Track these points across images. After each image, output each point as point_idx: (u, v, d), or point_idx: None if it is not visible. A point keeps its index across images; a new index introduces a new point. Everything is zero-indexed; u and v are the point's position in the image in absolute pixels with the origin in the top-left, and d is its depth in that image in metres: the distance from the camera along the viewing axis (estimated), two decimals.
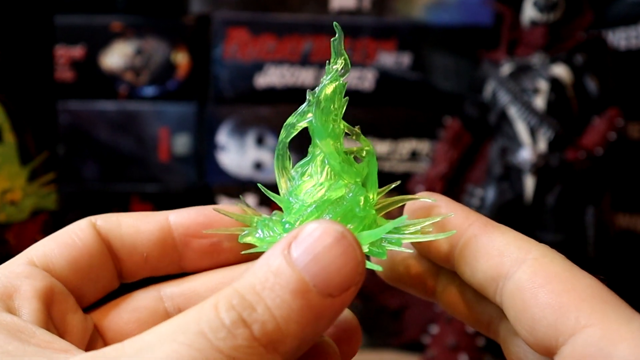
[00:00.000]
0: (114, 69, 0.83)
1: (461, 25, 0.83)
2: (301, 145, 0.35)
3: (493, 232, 0.30)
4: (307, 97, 0.33)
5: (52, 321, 0.28)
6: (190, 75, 0.84)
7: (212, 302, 0.24)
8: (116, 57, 0.83)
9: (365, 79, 0.83)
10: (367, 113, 0.82)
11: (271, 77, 0.83)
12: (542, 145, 0.71)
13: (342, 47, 0.33)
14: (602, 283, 0.28)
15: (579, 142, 0.71)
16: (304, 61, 0.82)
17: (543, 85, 0.71)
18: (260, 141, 0.83)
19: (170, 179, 0.84)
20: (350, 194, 0.32)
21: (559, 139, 0.70)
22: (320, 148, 0.32)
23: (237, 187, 0.82)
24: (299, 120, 0.33)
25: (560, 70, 0.72)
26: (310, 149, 0.33)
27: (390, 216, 0.34)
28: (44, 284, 0.29)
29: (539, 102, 0.71)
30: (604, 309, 0.26)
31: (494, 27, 0.81)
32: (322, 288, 0.25)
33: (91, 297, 0.32)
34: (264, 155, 0.83)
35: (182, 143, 0.84)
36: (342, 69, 0.32)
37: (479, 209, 0.73)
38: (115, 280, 0.33)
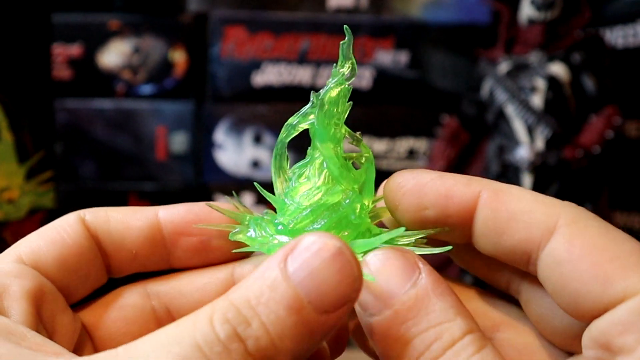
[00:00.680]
0: (111, 67, 0.83)
1: (459, 24, 0.83)
2: (300, 145, 0.34)
3: (509, 200, 0.29)
4: (311, 99, 0.32)
5: (41, 322, 0.28)
6: (188, 73, 0.84)
7: (208, 313, 0.24)
8: (114, 55, 0.83)
9: (363, 78, 0.83)
10: (364, 111, 0.82)
11: (268, 75, 0.83)
12: (540, 144, 0.71)
13: (351, 51, 0.32)
14: None
15: (577, 141, 0.71)
16: (302, 59, 0.82)
17: (540, 83, 0.71)
18: (257, 139, 0.83)
19: (167, 178, 0.84)
20: (347, 201, 0.31)
21: (556, 137, 0.70)
22: (320, 151, 0.32)
23: (234, 186, 0.81)
24: (300, 122, 0.32)
25: (558, 69, 0.72)
26: (309, 151, 0.33)
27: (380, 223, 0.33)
28: (33, 283, 0.28)
29: (537, 100, 0.71)
30: None
31: (492, 25, 0.81)
32: (318, 305, 0.24)
33: (79, 294, 0.31)
34: (262, 154, 0.83)
35: (179, 141, 0.84)
36: (348, 72, 0.32)
37: None
38: (104, 275, 0.32)
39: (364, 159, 0.33)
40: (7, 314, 0.27)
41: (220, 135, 0.83)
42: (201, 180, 0.83)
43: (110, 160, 0.84)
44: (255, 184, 0.34)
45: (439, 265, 0.54)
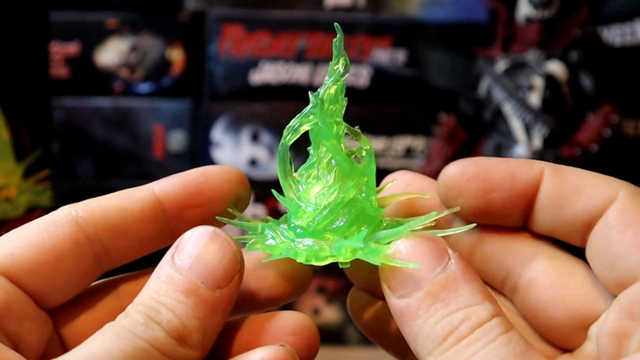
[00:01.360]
0: (109, 65, 0.83)
1: (456, 22, 0.83)
2: (296, 144, 0.34)
3: (571, 175, 0.30)
4: (311, 99, 0.32)
5: (4, 333, 0.27)
6: (185, 72, 0.84)
7: (123, 313, 0.27)
8: (111, 53, 0.83)
9: (360, 76, 0.83)
10: (362, 110, 0.82)
11: (266, 73, 0.83)
12: (537, 142, 0.71)
13: (343, 48, 0.32)
14: None
15: (574, 139, 0.71)
16: (299, 58, 0.82)
17: (538, 82, 0.71)
18: (255, 138, 0.83)
19: (165, 176, 0.84)
20: (363, 195, 0.32)
21: (553, 136, 0.71)
22: (329, 150, 0.32)
23: None
24: (302, 123, 0.32)
25: (555, 67, 0.72)
26: (311, 152, 0.33)
27: None
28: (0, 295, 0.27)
29: (534, 98, 0.71)
30: None
31: (489, 23, 0.81)
32: (210, 282, 0.28)
33: (57, 299, 0.30)
34: (259, 152, 0.83)
35: (177, 140, 0.84)
36: (343, 69, 0.32)
37: None
38: (93, 273, 0.31)
39: (364, 152, 0.33)
40: None
41: (218, 133, 0.83)
42: None
43: (108, 158, 0.84)
44: (273, 191, 0.34)
45: None
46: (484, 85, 0.75)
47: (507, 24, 0.75)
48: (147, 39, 0.83)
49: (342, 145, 0.32)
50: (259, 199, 0.81)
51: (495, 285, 0.33)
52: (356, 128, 0.33)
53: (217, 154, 0.83)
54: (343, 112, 0.33)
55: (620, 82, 0.78)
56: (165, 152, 0.84)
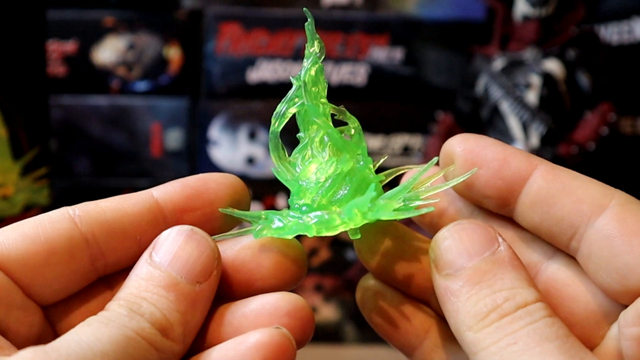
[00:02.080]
0: (106, 63, 0.83)
1: (454, 20, 0.83)
2: (289, 137, 0.35)
3: (565, 175, 0.30)
4: (294, 83, 0.33)
5: None
6: (183, 70, 0.84)
7: (104, 309, 0.28)
8: (108, 52, 0.83)
9: (358, 74, 0.83)
10: (359, 108, 0.82)
11: (263, 72, 0.83)
12: (535, 140, 0.71)
13: (315, 31, 0.34)
14: None
15: (571, 137, 0.71)
16: (297, 56, 0.82)
17: (535, 80, 0.72)
18: (252, 136, 0.83)
19: (162, 174, 0.84)
20: (361, 162, 0.32)
21: (551, 134, 0.71)
22: (319, 126, 0.33)
23: None
24: (289, 107, 0.33)
25: (553, 65, 0.72)
26: (301, 136, 0.33)
27: None
28: None
29: (531, 97, 0.71)
30: None
31: (487, 22, 0.81)
32: (190, 277, 0.29)
33: (50, 293, 0.30)
34: (257, 150, 0.83)
35: (174, 138, 0.84)
36: (319, 51, 0.33)
37: None
38: (87, 275, 0.31)
39: (352, 130, 0.34)
40: None
41: (215, 131, 0.83)
42: None
43: (105, 156, 0.84)
44: (273, 169, 0.34)
45: None
46: (482, 83, 0.75)
47: (505, 22, 0.75)
48: (145, 37, 0.83)
49: (330, 124, 0.33)
50: (257, 198, 0.81)
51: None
52: (341, 107, 0.34)
53: (215, 152, 0.83)
54: (325, 93, 0.33)
55: (618, 80, 0.78)
56: (163, 150, 0.84)
